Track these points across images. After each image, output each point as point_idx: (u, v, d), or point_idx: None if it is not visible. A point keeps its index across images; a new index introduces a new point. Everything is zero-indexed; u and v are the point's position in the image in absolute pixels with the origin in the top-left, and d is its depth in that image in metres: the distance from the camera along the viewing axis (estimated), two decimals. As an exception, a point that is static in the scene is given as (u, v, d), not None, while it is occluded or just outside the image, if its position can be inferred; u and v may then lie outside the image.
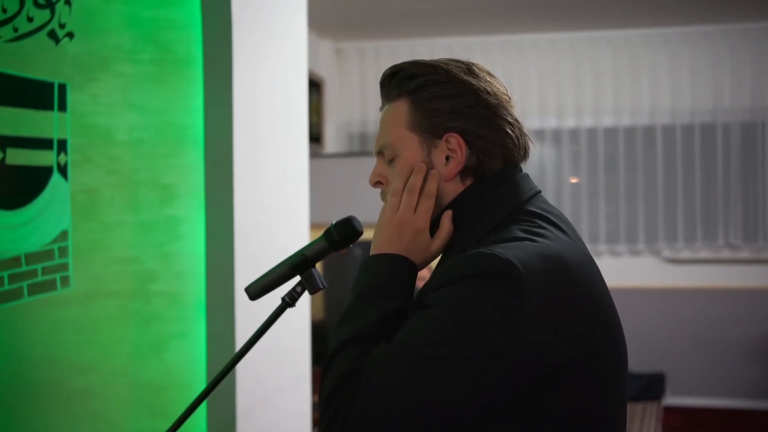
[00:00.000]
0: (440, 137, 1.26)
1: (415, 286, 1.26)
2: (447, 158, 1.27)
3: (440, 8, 5.19)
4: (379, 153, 1.32)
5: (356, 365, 1.14)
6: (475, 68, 1.30)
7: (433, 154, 1.27)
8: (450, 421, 1.11)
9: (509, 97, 1.31)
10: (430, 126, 1.27)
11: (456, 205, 1.27)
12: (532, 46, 5.97)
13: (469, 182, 1.28)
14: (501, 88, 1.30)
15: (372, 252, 1.26)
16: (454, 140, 1.26)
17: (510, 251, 1.13)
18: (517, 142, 1.28)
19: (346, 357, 1.16)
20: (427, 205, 1.26)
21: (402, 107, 1.29)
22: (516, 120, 1.29)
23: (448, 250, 1.28)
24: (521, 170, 1.31)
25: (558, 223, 1.24)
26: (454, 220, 1.27)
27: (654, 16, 5.51)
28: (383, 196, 1.33)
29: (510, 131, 1.27)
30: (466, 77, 1.28)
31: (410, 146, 1.28)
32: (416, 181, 1.26)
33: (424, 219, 1.26)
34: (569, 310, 1.14)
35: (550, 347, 1.11)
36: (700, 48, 5.77)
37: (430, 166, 1.27)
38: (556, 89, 5.96)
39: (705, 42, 5.76)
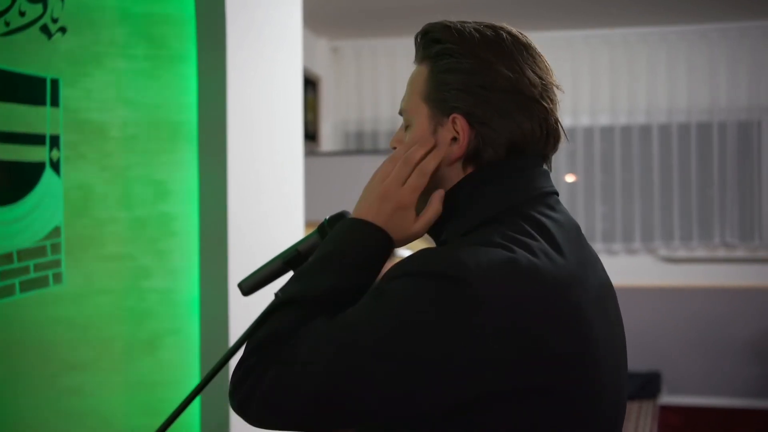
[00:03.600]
0: (447, 116, 1.14)
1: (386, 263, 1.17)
2: (454, 139, 1.14)
3: (437, 6, 5.18)
4: (401, 115, 1.22)
5: (286, 329, 1.06)
6: (506, 42, 1.16)
7: (439, 132, 1.15)
8: (357, 421, 1.04)
9: (544, 83, 1.15)
10: (438, 101, 1.15)
11: (452, 193, 1.15)
12: (529, 45, 5.96)
13: (469, 170, 1.15)
14: (536, 72, 1.15)
15: (352, 214, 1.16)
16: (459, 123, 1.13)
17: (473, 256, 1.02)
18: (530, 136, 1.14)
19: (281, 317, 1.07)
20: (418, 183, 1.13)
21: (423, 73, 1.18)
22: (547, 110, 1.15)
23: (433, 234, 1.18)
24: (539, 165, 1.19)
25: (555, 235, 1.10)
26: (447, 208, 1.15)
27: (651, 15, 5.51)
28: None
29: (525, 123, 1.13)
30: (487, 54, 1.14)
31: (420, 118, 1.17)
32: (414, 154, 1.14)
33: (410, 196, 1.13)
34: (530, 332, 1.01)
35: (489, 369, 0.99)
36: (697, 46, 5.76)
37: (434, 145, 1.15)
38: (552, 88, 5.95)
39: (702, 40, 5.75)
